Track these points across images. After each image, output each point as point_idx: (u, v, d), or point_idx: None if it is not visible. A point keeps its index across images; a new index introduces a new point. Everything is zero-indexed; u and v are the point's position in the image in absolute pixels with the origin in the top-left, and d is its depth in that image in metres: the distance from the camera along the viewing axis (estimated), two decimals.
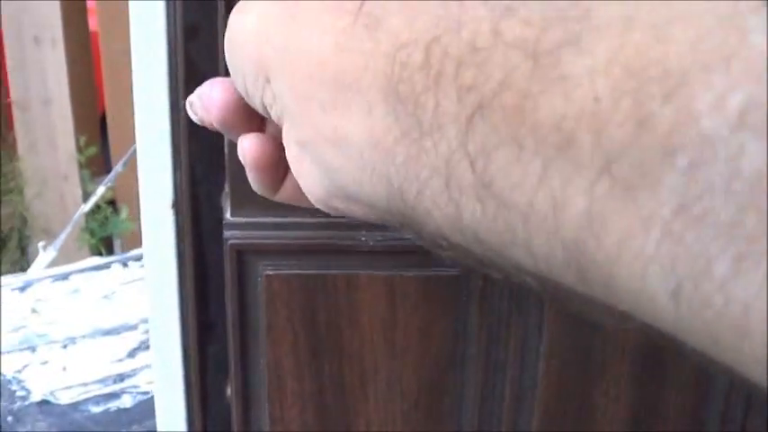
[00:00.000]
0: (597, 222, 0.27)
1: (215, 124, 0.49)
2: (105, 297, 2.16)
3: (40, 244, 2.61)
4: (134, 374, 1.82)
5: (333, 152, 0.38)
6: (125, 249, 3.95)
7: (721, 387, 0.78)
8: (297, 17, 0.39)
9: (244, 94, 0.45)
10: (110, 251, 4.12)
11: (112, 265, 2.34)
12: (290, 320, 0.73)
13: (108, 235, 4.22)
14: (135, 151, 2.01)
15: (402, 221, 0.37)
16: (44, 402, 1.73)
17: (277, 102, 0.41)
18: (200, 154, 0.75)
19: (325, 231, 0.71)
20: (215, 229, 0.76)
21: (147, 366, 1.83)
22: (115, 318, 2.06)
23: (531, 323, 0.76)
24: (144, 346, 1.92)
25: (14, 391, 1.77)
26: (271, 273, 0.71)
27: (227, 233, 0.71)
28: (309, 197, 0.44)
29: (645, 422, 0.79)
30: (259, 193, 0.52)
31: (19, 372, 1.84)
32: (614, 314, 0.30)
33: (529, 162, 0.29)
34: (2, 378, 1.81)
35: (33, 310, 2.08)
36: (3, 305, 2.12)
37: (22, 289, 2.21)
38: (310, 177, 0.42)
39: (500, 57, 0.29)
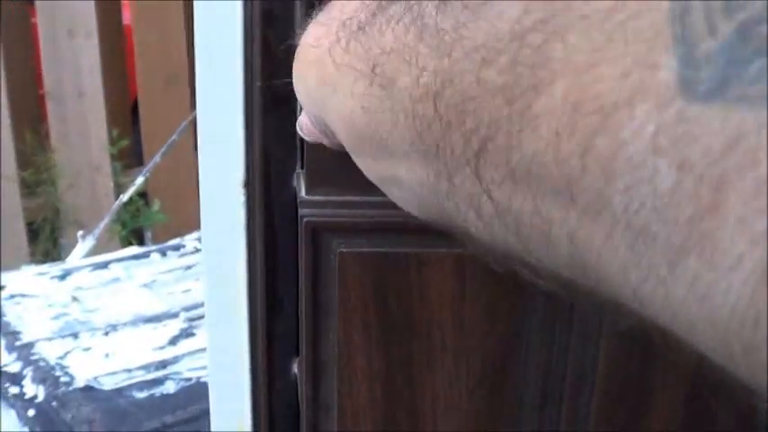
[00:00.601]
0: (579, 239, 0.31)
1: (329, 146, 0.54)
2: (145, 285, 2.19)
3: (79, 233, 2.63)
4: (176, 361, 1.85)
5: (395, 190, 0.45)
6: (155, 241, 3.98)
7: None
8: (324, 81, 0.44)
9: None
10: (140, 243, 4.15)
11: (151, 255, 2.36)
12: (362, 298, 0.74)
13: (138, 227, 4.25)
14: (173, 142, 2.03)
15: (463, 239, 0.42)
16: (88, 388, 1.75)
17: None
18: (273, 135, 0.76)
19: (397, 210, 0.73)
20: (286, 210, 0.77)
21: (190, 354, 1.85)
22: (156, 306, 2.08)
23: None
24: (185, 333, 1.94)
25: (58, 377, 1.79)
26: (344, 250, 0.73)
27: (302, 211, 0.73)
28: None
29: (703, 402, 0.81)
30: None
31: (62, 358, 1.87)
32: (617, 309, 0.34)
33: (524, 194, 0.33)
34: (45, 364, 1.83)
35: (74, 299, 2.11)
36: (43, 293, 2.14)
37: (62, 277, 2.24)
38: (400, 204, 0.48)
39: (487, 103, 0.33)
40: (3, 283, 2.17)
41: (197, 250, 2.36)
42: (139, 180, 2.73)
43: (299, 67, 0.48)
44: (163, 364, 1.81)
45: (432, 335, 0.76)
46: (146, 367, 1.80)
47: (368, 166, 0.45)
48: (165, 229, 4.12)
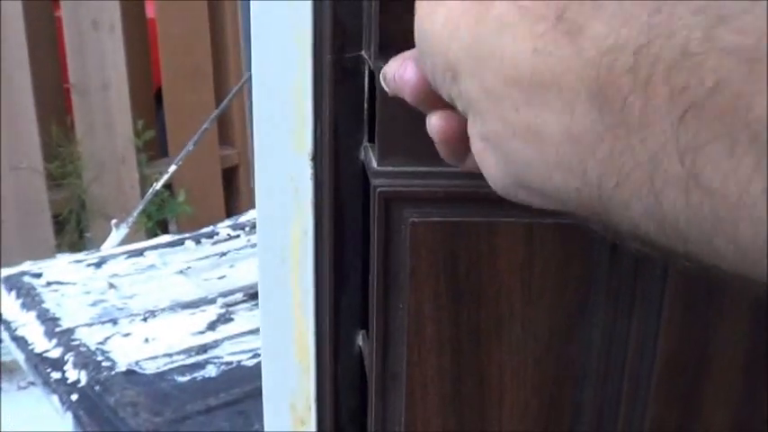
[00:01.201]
0: None
1: (407, 100, 0.54)
2: (180, 272, 2.21)
3: (113, 222, 2.65)
4: (216, 346, 1.86)
5: (523, 148, 0.42)
6: (180, 232, 4.00)
7: None
8: (487, 20, 0.43)
9: (431, 82, 0.50)
10: (165, 234, 4.17)
11: (186, 242, 2.38)
12: (433, 266, 0.76)
13: (163, 218, 4.27)
14: (205, 131, 2.04)
15: (590, 213, 0.41)
16: (130, 372, 1.77)
17: (462, 97, 0.46)
18: (341, 108, 0.78)
19: (467, 180, 0.74)
20: (353, 183, 0.79)
21: (229, 338, 1.87)
22: (192, 292, 2.10)
23: (657, 273, 0.78)
24: (223, 318, 1.96)
25: (100, 362, 1.81)
26: (416, 219, 0.74)
27: (374, 181, 0.74)
28: (491, 185, 0.48)
29: (761, 370, 0.82)
30: (447, 161, 0.56)
31: (102, 343, 1.88)
32: None
33: (742, 156, 0.32)
34: (86, 349, 1.85)
35: (111, 285, 2.12)
36: (80, 281, 2.16)
37: (98, 265, 2.26)
38: (493, 169, 0.47)
39: (713, 61, 0.33)
40: (39, 271, 2.19)
41: (230, 237, 2.37)
42: (172, 168, 2.75)
43: (451, 10, 0.47)
44: (203, 349, 1.83)
45: (500, 303, 0.77)
46: (186, 351, 1.82)
47: (500, 116, 0.43)
48: (189, 220, 4.14)
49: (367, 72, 0.76)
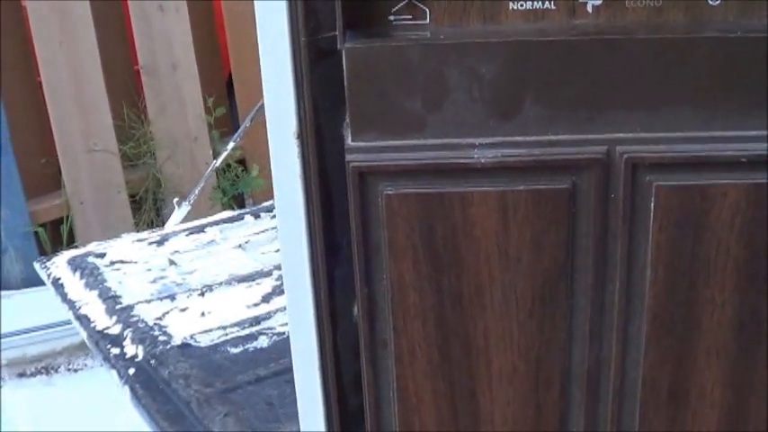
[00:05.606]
0: None
1: None
2: (239, 246, 2.25)
3: (175, 200, 2.70)
4: (269, 317, 1.90)
5: None
6: (256, 206, 4.04)
7: None
8: None
9: None
10: (242, 208, 4.22)
11: (245, 217, 2.42)
12: (410, 237, 0.78)
13: (239, 192, 4.32)
14: (261, 107, 2.07)
15: None
16: (185, 345, 1.81)
17: None
18: (322, 87, 0.80)
19: (439, 152, 0.76)
20: (338, 158, 0.81)
21: (282, 309, 1.89)
22: (249, 265, 2.14)
23: (638, 234, 0.80)
24: (278, 290, 1.99)
25: (156, 336, 1.85)
26: (390, 192, 0.77)
27: (348, 156, 0.77)
28: None
29: (749, 328, 0.83)
30: None
31: (160, 319, 1.93)
32: None
33: None
34: (144, 325, 1.90)
35: (171, 262, 2.17)
36: (142, 259, 2.21)
37: (160, 243, 2.30)
38: None
39: None
40: (103, 251, 2.25)
41: None
42: (230, 146, 2.79)
43: None
44: (256, 321, 1.87)
45: (480, 271, 0.80)
46: (240, 324, 1.86)
47: None
48: (264, 194, 4.18)
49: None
